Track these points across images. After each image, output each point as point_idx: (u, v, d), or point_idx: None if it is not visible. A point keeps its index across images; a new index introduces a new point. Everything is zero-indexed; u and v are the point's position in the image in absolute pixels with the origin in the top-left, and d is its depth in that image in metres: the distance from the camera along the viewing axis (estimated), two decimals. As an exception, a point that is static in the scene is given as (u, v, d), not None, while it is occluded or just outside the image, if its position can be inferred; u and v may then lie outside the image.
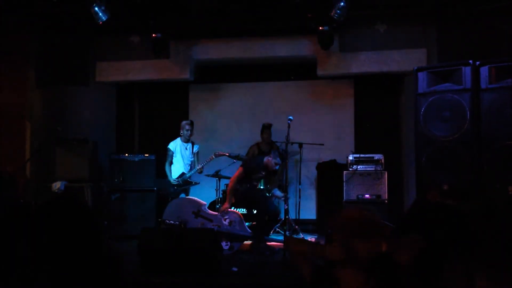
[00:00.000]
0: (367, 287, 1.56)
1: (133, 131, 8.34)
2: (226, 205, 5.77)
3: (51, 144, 6.83)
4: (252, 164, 6.02)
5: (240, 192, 5.85)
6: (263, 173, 6.03)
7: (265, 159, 5.89)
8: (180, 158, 6.81)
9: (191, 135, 6.83)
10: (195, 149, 6.90)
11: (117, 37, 7.30)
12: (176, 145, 6.83)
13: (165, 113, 8.12)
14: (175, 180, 6.68)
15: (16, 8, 6.63)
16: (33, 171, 7.02)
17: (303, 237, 6.34)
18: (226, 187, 6.39)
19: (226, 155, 6.56)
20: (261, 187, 6.74)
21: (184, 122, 6.85)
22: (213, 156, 6.49)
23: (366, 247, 1.57)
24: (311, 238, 6.43)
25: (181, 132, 6.79)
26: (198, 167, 6.62)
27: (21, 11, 6.74)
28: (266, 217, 5.82)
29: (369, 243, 1.58)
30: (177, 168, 6.78)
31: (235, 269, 4.68)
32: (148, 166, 6.93)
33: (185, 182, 6.73)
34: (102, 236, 1.72)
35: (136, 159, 6.97)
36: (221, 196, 6.63)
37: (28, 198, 6.74)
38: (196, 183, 6.83)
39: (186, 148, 6.85)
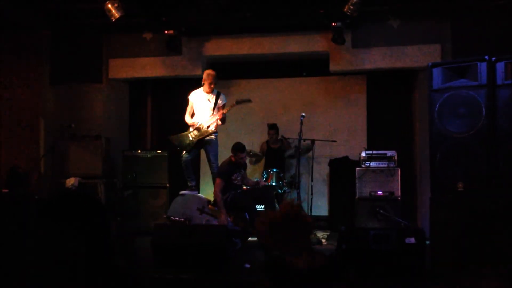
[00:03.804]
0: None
1: (145, 128, 8.37)
2: (223, 217, 5.69)
3: (65, 140, 6.91)
4: (223, 167, 6.05)
5: (225, 201, 5.86)
6: (242, 171, 6.11)
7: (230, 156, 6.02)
8: (200, 110, 6.37)
9: (210, 85, 6.31)
10: (221, 101, 6.36)
11: (130, 34, 7.33)
12: (196, 95, 6.41)
13: (177, 109, 8.11)
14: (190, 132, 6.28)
15: (29, 6, 6.68)
16: (47, 168, 7.08)
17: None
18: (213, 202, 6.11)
19: (249, 101, 6.48)
20: (273, 183, 6.73)
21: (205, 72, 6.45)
22: (235, 103, 6.30)
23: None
24: (322, 235, 6.41)
25: (202, 82, 6.39)
26: (217, 116, 6.21)
27: (34, 9, 6.80)
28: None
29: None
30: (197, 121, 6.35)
31: (247, 265, 4.68)
32: (161, 162, 6.96)
33: (201, 134, 6.26)
34: (111, 232, 1.72)
35: (149, 155, 7.01)
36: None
37: (42, 194, 6.81)
38: (212, 132, 6.29)
39: (208, 100, 6.36)
